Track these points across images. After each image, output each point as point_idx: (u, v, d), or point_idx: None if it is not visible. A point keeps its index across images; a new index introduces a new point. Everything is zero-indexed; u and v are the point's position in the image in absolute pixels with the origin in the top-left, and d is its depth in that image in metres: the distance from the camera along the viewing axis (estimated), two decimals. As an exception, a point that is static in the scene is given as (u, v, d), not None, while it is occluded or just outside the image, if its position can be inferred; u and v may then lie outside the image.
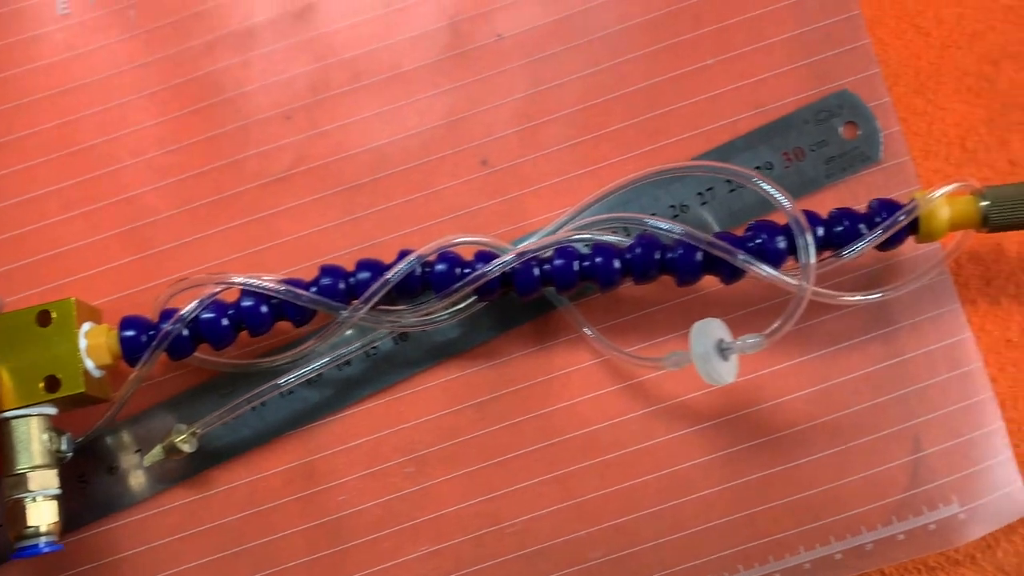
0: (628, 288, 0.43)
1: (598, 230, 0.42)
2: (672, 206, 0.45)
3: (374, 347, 0.44)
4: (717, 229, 0.45)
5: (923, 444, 0.43)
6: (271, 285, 0.41)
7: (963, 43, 0.46)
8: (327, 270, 0.42)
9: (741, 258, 0.40)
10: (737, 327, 0.44)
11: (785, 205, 0.39)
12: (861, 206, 0.44)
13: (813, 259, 0.39)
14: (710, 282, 0.42)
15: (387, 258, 0.42)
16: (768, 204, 0.40)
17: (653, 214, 0.45)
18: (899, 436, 0.44)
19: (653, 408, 0.44)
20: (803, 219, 0.39)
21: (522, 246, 0.42)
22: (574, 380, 0.44)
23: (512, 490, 0.44)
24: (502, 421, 0.44)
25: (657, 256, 0.41)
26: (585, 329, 0.44)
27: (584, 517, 0.44)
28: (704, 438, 0.44)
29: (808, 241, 0.39)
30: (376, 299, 0.41)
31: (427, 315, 0.42)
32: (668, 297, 0.44)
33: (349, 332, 0.44)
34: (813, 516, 0.43)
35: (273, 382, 0.42)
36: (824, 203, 0.44)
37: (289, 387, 0.43)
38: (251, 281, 0.40)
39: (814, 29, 0.45)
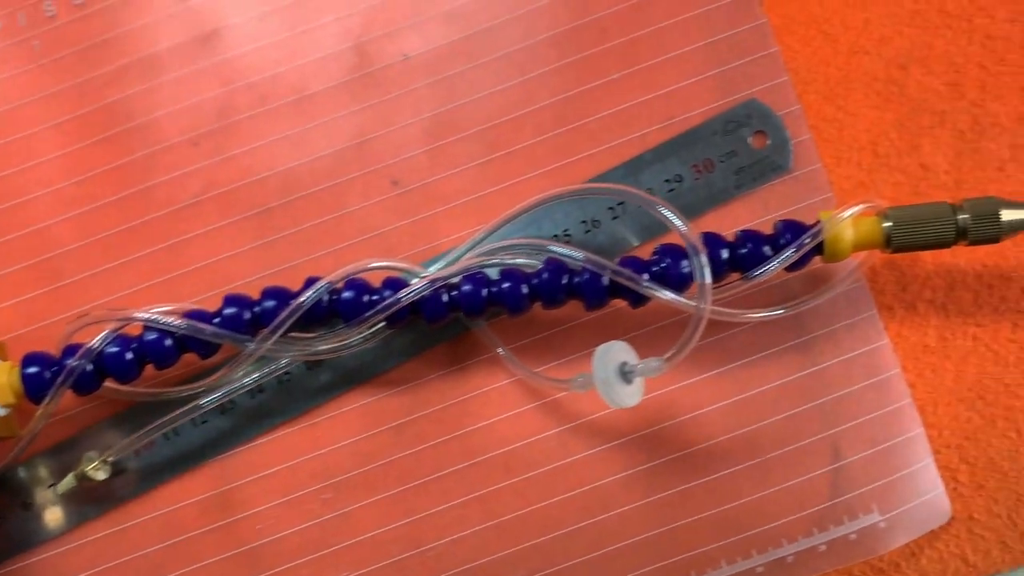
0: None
1: (507, 254, 0.42)
2: (584, 221, 0.44)
3: (287, 373, 0.44)
4: (636, 243, 0.44)
5: (843, 453, 0.43)
6: (173, 320, 0.40)
7: (871, 48, 0.45)
8: (231, 300, 0.41)
9: (645, 285, 0.39)
10: (654, 341, 0.44)
11: (680, 228, 0.39)
12: (770, 216, 0.44)
13: (708, 279, 0.38)
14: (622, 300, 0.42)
15: (300, 282, 0.42)
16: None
17: (566, 231, 0.44)
18: (818, 446, 0.43)
19: (571, 425, 0.44)
20: (698, 241, 0.39)
21: (431, 273, 0.41)
22: (491, 400, 0.44)
23: (432, 512, 0.44)
24: (420, 443, 0.44)
25: (564, 281, 0.41)
26: (499, 349, 0.43)
27: (505, 537, 0.43)
28: (623, 453, 0.44)
29: (703, 262, 0.38)
30: (283, 330, 0.40)
31: (337, 342, 0.42)
32: (583, 313, 0.44)
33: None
34: (734, 529, 0.43)
35: (182, 409, 0.42)
36: (735, 214, 0.44)
37: (200, 414, 0.42)
38: (151, 317, 0.40)
39: (721, 39, 0.45)
